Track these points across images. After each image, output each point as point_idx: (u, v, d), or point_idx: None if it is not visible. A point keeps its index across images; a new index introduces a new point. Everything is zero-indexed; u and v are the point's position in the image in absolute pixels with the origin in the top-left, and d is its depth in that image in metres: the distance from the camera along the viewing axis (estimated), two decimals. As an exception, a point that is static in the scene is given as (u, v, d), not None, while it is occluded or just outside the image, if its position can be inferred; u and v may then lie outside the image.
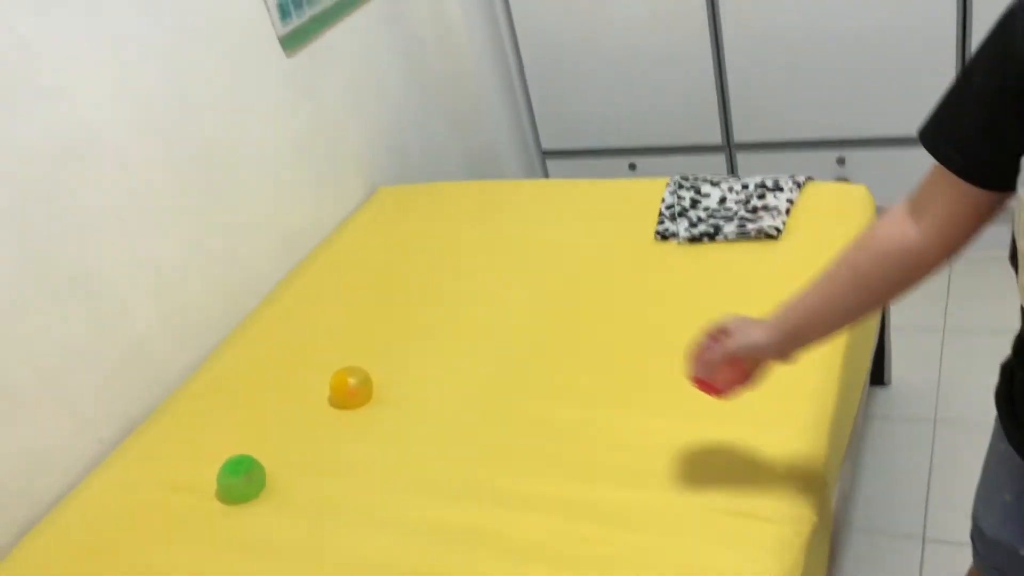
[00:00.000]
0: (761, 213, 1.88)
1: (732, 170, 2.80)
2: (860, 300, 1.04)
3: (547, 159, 3.03)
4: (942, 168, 0.90)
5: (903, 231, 0.96)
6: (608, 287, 1.82)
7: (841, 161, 2.63)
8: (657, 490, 1.32)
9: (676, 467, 1.35)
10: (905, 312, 2.38)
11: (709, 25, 2.56)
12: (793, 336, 1.11)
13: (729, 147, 2.75)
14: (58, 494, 1.59)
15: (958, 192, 0.90)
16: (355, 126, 2.41)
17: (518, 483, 1.39)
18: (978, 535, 1.19)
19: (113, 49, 1.71)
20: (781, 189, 1.95)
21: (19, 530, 1.53)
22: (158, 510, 1.49)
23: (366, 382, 1.64)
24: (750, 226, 1.84)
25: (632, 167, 2.88)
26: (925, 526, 1.89)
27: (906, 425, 2.13)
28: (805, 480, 1.31)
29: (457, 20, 2.68)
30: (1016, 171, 0.82)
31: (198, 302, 1.90)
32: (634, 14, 2.63)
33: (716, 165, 2.79)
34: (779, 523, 1.23)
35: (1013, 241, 0.89)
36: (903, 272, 0.99)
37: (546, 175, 3.06)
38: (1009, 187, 0.85)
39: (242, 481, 1.47)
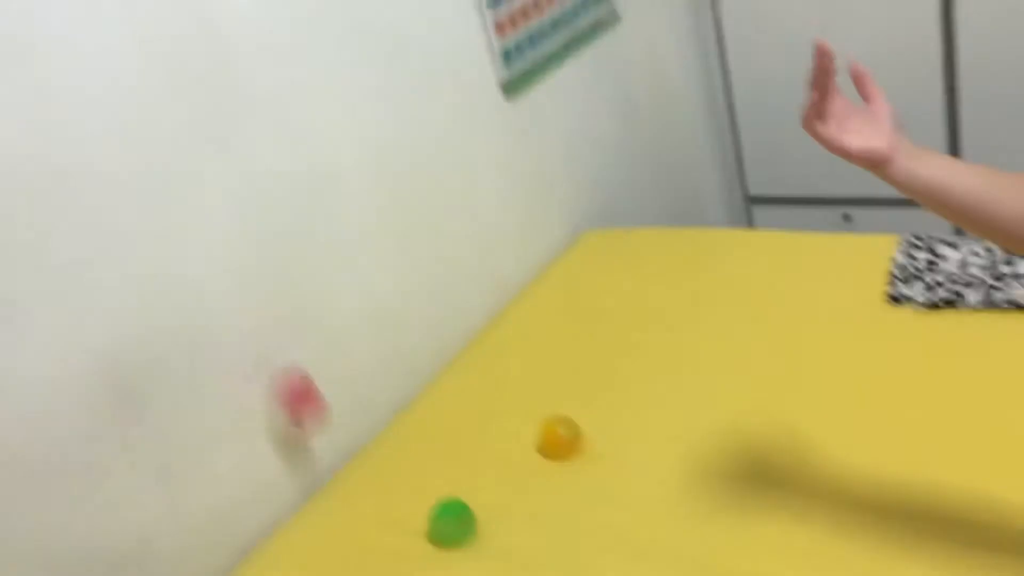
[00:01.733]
0: (1010, 280, 1.71)
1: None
2: (1006, 200, 0.96)
3: (753, 206, 2.93)
4: None
5: None
6: (832, 351, 1.71)
7: None
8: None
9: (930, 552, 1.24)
10: None
11: (942, 58, 2.39)
12: (915, 167, 1.01)
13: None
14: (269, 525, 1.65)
15: None
16: (565, 170, 2.41)
17: (742, 558, 1.31)
18: None
19: (356, 99, 1.78)
20: (1032, 255, 1.78)
21: (233, 558, 1.58)
22: (370, 547, 1.51)
23: (577, 433, 1.61)
24: (999, 295, 1.68)
25: (847, 218, 2.73)
26: None
27: None
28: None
29: (670, 61, 2.64)
30: None
31: (411, 341, 1.94)
32: (855, 51, 2.49)
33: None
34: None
35: None
36: None
37: (751, 222, 2.96)
38: None
39: (455, 525, 1.47)
